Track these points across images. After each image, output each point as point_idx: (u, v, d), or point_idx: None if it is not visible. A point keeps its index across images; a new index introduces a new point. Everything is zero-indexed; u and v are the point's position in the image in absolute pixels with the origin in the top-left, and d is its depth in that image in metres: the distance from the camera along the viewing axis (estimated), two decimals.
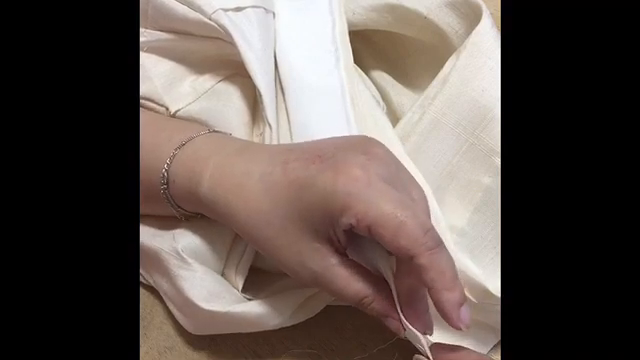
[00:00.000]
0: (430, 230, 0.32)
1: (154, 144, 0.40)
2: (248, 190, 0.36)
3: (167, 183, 0.39)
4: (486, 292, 0.38)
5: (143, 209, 0.42)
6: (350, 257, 0.35)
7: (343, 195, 0.32)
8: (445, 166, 0.41)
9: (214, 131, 0.41)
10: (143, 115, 0.43)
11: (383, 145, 0.35)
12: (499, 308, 0.39)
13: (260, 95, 0.41)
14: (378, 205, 0.32)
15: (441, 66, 0.42)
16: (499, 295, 0.38)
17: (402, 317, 0.34)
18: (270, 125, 0.41)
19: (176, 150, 0.39)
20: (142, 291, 0.44)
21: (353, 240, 0.34)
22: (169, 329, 0.43)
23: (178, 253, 0.40)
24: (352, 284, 0.34)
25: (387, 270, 0.35)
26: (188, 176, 0.38)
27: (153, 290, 0.44)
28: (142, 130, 0.40)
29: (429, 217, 0.34)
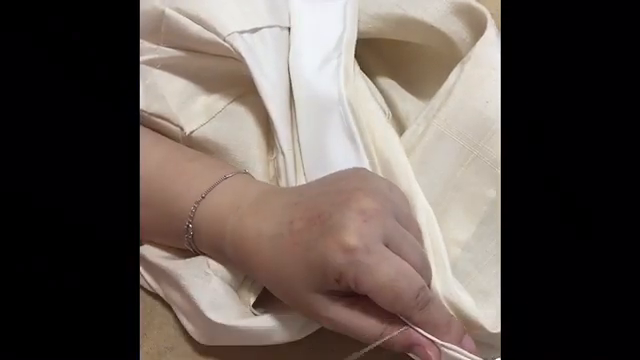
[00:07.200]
0: (421, 290, 0.34)
1: (175, 193, 0.40)
2: (262, 254, 0.37)
3: (192, 234, 0.40)
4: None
5: (165, 241, 0.43)
6: None
7: (340, 264, 0.33)
8: (450, 179, 0.41)
9: (231, 175, 0.41)
10: (160, 146, 0.43)
11: (380, 184, 0.37)
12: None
13: (272, 123, 0.41)
14: (375, 276, 0.33)
15: (447, 73, 0.42)
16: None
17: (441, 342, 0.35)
18: (283, 153, 0.41)
19: (197, 204, 0.40)
20: (142, 292, 0.44)
21: None
22: (169, 329, 0.43)
23: (207, 274, 0.40)
24: (367, 318, 0.35)
25: None
26: (211, 234, 0.39)
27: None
28: (162, 166, 0.41)
29: (424, 258, 0.36)
